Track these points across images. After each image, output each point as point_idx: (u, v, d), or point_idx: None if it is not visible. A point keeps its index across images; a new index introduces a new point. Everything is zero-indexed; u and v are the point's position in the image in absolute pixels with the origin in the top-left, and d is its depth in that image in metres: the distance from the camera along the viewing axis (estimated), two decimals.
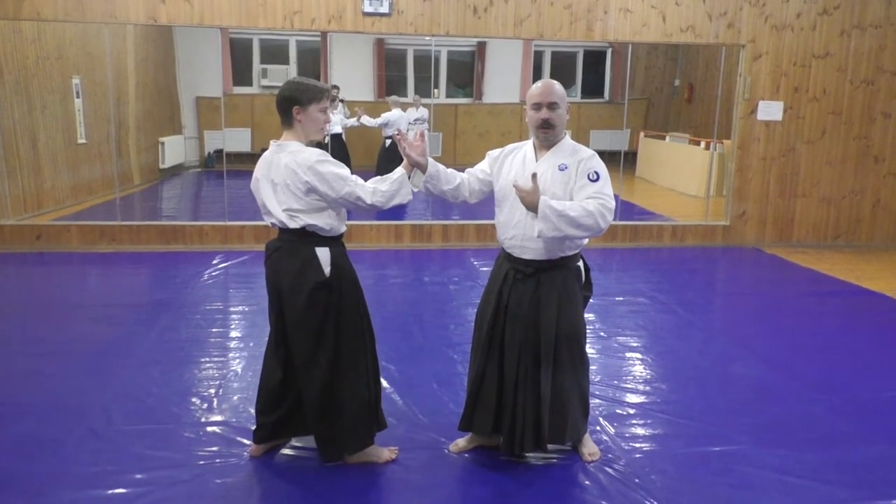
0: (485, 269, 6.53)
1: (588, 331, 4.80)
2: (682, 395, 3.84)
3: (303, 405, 2.92)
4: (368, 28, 7.12)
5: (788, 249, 7.68)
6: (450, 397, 3.69)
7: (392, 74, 14.38)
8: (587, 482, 2.92)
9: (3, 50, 7.37)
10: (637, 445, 3.24)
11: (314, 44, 13.60)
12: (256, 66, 13.76)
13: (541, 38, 7.38)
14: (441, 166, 2.93)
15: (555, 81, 2.84)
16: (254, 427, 3.10)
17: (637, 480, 2.93)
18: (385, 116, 10.32)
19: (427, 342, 4.56)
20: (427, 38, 7.45)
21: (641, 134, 13.39)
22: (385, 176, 2.83)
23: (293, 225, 2.76)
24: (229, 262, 6.61)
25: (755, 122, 7.64)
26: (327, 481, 2.90)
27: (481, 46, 14.13)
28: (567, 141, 2.89)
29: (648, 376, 4.10)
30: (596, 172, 2.75)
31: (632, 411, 3.61)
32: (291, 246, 2.80)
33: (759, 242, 7.87)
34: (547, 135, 2.82)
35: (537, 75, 14.46)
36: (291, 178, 2.71)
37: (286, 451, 3.13)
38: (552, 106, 2.78)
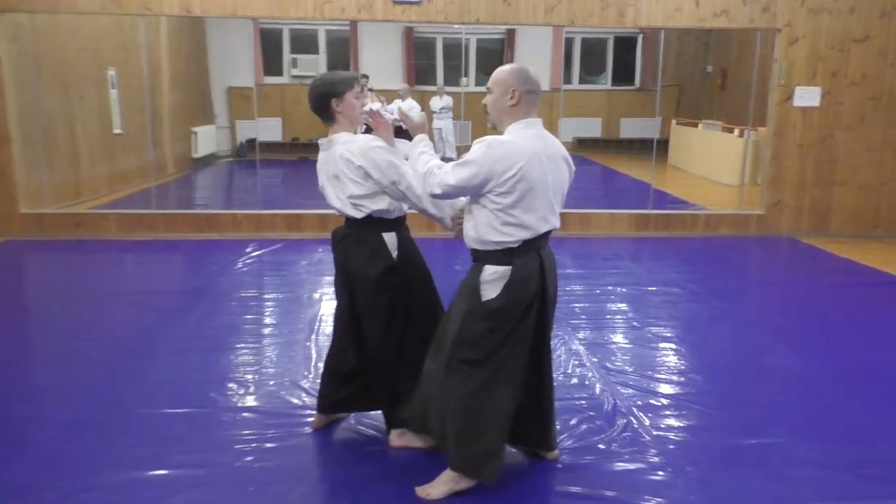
0: None
1: (620, 320, 4.84)
2: (716, 386, 3.80)
3: (373, 383, 3.02)
4: (398, 16, 7.12)
5: (825, 239, 7.54)
6: None
7: (421, 63, 14.37)
8: (619, 472, 2.92)
9: (42, 43, 7.52)
10: (671, 436, 3.23)
11: (343, 33, 13.64)
12: (286, 55, 13.85)
13: (572, 24, 7.31)
14: None
15: (510, 66, 2.62)
16: (294, 408, 3.21)
17: (671, 471, 2.93)
18: (413, 108, 10.31)
19: None
20: (456, 26, 7.43)
21: (673, 121, 13.21)
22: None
23: (359, 215, 2.84)
24: (263, 251, 6.70)
25: (791, 109, 7.49)
26: (366, 464, 2.94)
27: (511, 34, 14.05)
28: (510, 127, 2.60)
29: (682, 367, 4.07)
30: (468, 153, 2.52)
31: (665, 402, 3.59)
32: (359, 233, 2.88)
33: (795, 232, 7.74)
34: (487, 120, 2.69)
35: (567, 62, 14.34)
36: (349, 167, 2.78)
37: (330, 434, 3.18)
38: (488, 90, 2.63)
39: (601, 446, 3.12)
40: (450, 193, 2.57)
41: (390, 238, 2.88)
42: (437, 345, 2.77)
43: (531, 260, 2.59)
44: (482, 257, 2.61)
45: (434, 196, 2.62)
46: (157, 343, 4.27)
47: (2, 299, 5.22)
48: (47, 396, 3.56)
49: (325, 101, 2.84)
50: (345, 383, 3.09)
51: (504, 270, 2.56)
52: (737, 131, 10.70)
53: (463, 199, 2.78)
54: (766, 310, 5.36)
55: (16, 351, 4.25)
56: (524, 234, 2.54)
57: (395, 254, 2.88)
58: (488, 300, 2.57)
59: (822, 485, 2.86)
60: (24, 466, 2.88)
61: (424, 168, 2.63)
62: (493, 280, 2.57)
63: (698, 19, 7.29)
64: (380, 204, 2.83)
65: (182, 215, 7.36)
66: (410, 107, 10.42)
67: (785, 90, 7.46)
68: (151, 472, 2.85)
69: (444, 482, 2.72)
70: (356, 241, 2.89)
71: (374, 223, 2.86)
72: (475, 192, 2.53)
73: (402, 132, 3.08)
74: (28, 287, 5.92)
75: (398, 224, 2.93)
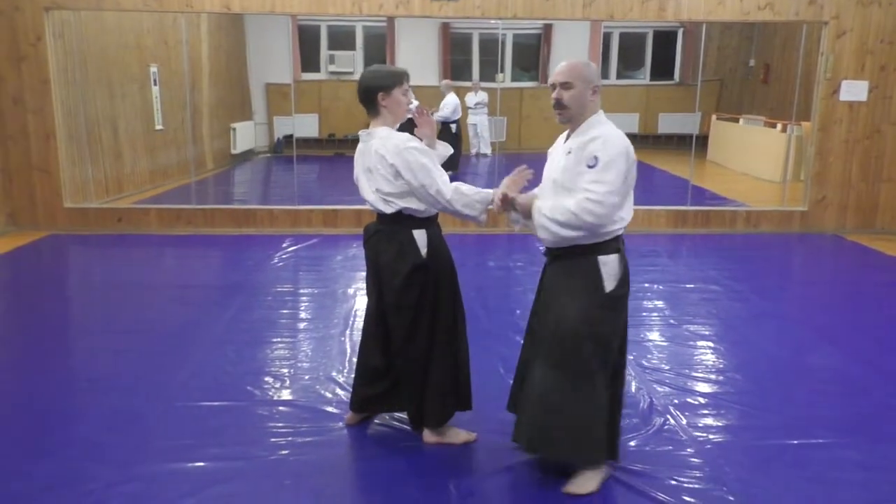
0: None
1: (656, 317, 4.77)
2: (756, 385, 3.72)
3: (399, 383, 3.03)
4: (435, 12, 7.10)
5: (871, 236, 7.33)
6: None
7: (457, 58, 14.34)
8: (655, 471, 2.87)
9: (86, 40, 7.69)
10: (710, 436, 3.17)
11: (380, 29, 13.68)
12: (324, 52, 13.94)
13: (611, 18, 7.21)
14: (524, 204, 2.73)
15: (580, 61, 2.67)
16: (341, 401, 3.26)
17: (709, 471, 2.87)
18: (447, 105, 10.30)
19: (493, 327, 4.55)
20: (493, 21, 7.38)
21: (713, 116, 12.97)
22: (474, 187, 2.85)
23: (389, 210, 2.84)
24: (299, 246, 6.75)
25: (837, 103, 7.29)
26: (400, 460, 2.94)
27: (547, 29, 13.94)
28: (591, 121, 2.63)
29: (721, 366, 3.99)
30: (595, 157, 2.50)
31: (703, 401, 3.53)
32: (389, 229, 2.89)
33: (840, 229, 7.53)
34: (560, 115, 2.66)
35: (605, 57, 14.17)
36: (381, 163, 2.79)
37: (364, 429, 3.19)
38: (564, 85, 2.60)
39: (637, 444, 3.08)
40: (613, 203, 2.50)
41: (420, 235, 2.87)
42: (546, 350, 2.67)
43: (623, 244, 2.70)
44: (592, 250, 2.60)
45: (602, 217, 2.49)
46: (195, 336, 4.34)
47: (45, 292, 5.36)
48: (87, 388, 3.64)
49: (372, 94, 2.85)
50: (373, 381, 3.09)
51: (616, 258, 2.62)
52: (779, 126, 10.45)
53: (489, 192, 2.78)
54: (810, 308, 5.23)
55: (57, 342, 4.36)
56: (627, 219, 2.63)
57: (424, 251, 2.86)
58: (611, 290, 2.60)
59: (868, 487, 2.78)
60: (65, 457, 2.95)
61: (568, 206, 2.50)
62: (611, 269, 2.61)
63: (742, 13, 7.13)
64: (409, 202, 2.82)
65: (220, 210, 7.47)
66: (450, 102, 10.41)
67: (831, 84, 7.26)
68: (188, 464, 2.89)
69: (593, 476, 2.72)
70: (386, 237, 2.89)
71: (405, 219, 2.85)
72: (626, 187, 2.55)
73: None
74: (71, 280, 6.07)
75: (429, 221, 2.92)
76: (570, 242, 2.59)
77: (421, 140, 2.98)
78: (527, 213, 2.64)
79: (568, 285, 2.64)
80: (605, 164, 2.50)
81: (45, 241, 6.85)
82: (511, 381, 3.75)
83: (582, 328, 2.58)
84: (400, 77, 2.87)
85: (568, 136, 2.72)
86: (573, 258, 2.63)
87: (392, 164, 2.75)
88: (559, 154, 2.70)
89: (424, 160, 2.76)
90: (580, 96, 2.61)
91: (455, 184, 2.81)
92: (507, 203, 2.70)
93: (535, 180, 2.87)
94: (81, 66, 7.57)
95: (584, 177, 2.52)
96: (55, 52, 7.00)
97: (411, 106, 2.98)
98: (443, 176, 2.79)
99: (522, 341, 3.02)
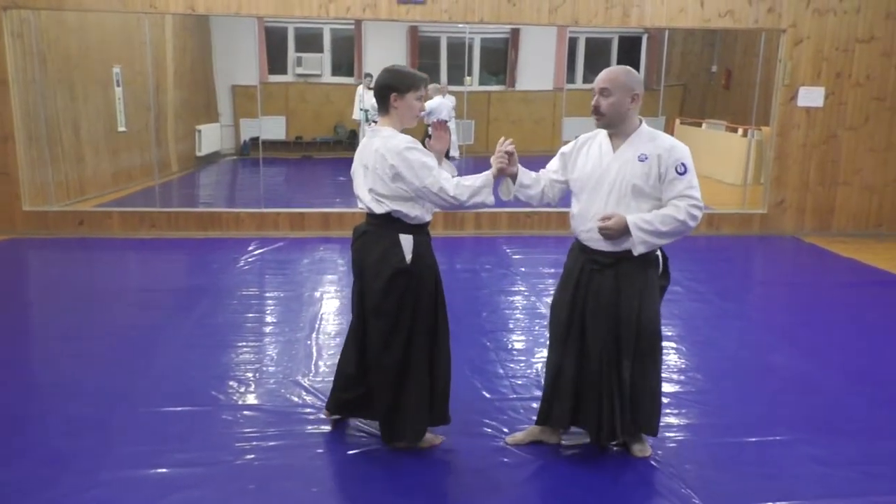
0: (517, 256, 6.52)
1: None
2: (717, 384, 3.80)
3: (372, 393, 2.99)
4: (403, 16, 7.12)
5: (828, 238, 7.53)
6: (483, 384, 3.73)
7: (425, 62, 14.35)
8: (620, 470, 2.92)
9: (46, 40, 7.54)
10: (671, 435, 3.23)
11: (348, 32, 13.63)
12: (291, 54, 13.84)
13: (576, 24, 7.30)
14: (526, 172, 2.93)
15: (622, 68, 2.76)
16: (308, 404, 3.22)
17: (671, 469, 2.93)
18: (428, 105, 10.33)
19: (460, 329, 4.55)
20: (461, 25, 7.42)
21: (677, 121, 13.19)
22: (472, 175, 2.85)
23: (379, 210, 2.82)
24: (265, 249, 6.71)
25: (795, 109, 7.48)
26: (367, 464, 2.95)
27: (515, 33, 14.03)
28: (644, 129, 2.79)
29: (683, 366, 4.07)
30: (683, 164, 2.71)
31: (665, 400, 3.54)
32: (377, 230, 2.87)
33: (798, 231, 7.73)
34: (598, 121, 2.78)
35: (571, 62, 14.31)
36: (380, 163, 2.77)
37: (331, 433, 3.19)
38: (603, 92, 2.72)
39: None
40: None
41: (406, 240, 2.83)
42: (633, 347, 2.83)
43: None
44: (649, 251, 2.79)
45: (700, 218, 2.74)
46: (159, 341, 4.29)
47: (5, 297, 5.24)
48: (49, 394, 3.58)
49: (386, 93, 2.84)
50: (347, 386, 3.09)
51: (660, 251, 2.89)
52: (740, 131, 10.69)
53: (487, 173, 2.82)
54: (770, 309, 5.36)
55: (18, 349, 4.27)
56: None
57: (408, 257, 2.83)
58: (661, 280, 2.90)
59: (826, 482, 2.86)
60: (26, 464, 2.90)
61: (674, 215, 2.69)
62: (659, 262, 2.89)
63: (703, 19, 7.28)
64: (401, 206, 2.81)
65: (185, 213, 7.38)
66: (437, 104, 10.44)
67: (789, 90, 7.45)
68: (152, 471, 2.86)
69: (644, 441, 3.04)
70: (373, 238, 2.87)
71: (393, 222, 2.83)
72: None
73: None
74: (31, 285, 5.94)
75: (418, 228, 2.89)
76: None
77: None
78: (620, 231, 2.69)
79: (647, 283, 2.81)
80: (690, 169, 2.73)
81: (3, 245, 6.69)
82: (482, 384, 3.78)
83: (658, 318, 2.88)
84: (417, 82, 2.85)
85: (612, 141, 2.81)
86: (644, 260, 2.78)
87: (392, 164, 2.74)
88: (623, 159, 2.75)
89: (426, 159, 2.76)
90: (618, 104, 2.73)
91: (455, 179, 2.80)
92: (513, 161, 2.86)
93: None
94: (41, 66, 7.42)
95: (675, 184, 2.72)
96: (14, 52, 6.85)
97: (425, 114, 2.98)
98: (444, 174, 2.78)
99: (559, 352, 2.94)
